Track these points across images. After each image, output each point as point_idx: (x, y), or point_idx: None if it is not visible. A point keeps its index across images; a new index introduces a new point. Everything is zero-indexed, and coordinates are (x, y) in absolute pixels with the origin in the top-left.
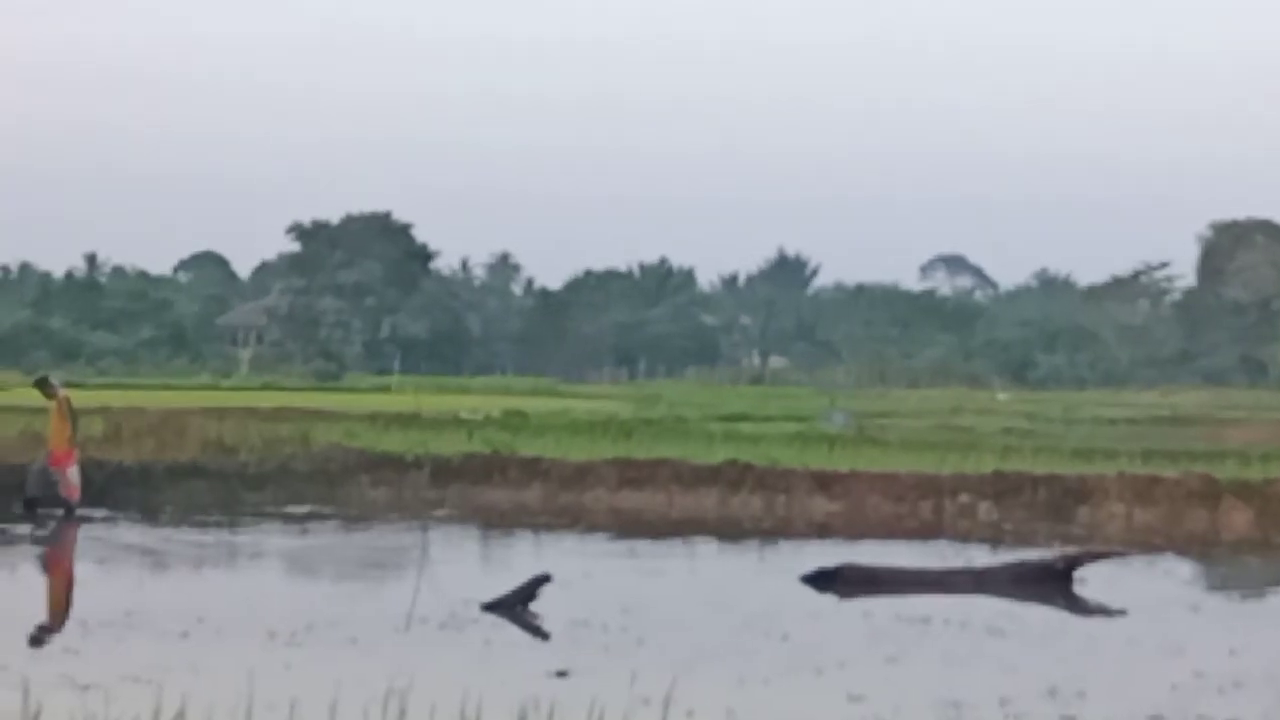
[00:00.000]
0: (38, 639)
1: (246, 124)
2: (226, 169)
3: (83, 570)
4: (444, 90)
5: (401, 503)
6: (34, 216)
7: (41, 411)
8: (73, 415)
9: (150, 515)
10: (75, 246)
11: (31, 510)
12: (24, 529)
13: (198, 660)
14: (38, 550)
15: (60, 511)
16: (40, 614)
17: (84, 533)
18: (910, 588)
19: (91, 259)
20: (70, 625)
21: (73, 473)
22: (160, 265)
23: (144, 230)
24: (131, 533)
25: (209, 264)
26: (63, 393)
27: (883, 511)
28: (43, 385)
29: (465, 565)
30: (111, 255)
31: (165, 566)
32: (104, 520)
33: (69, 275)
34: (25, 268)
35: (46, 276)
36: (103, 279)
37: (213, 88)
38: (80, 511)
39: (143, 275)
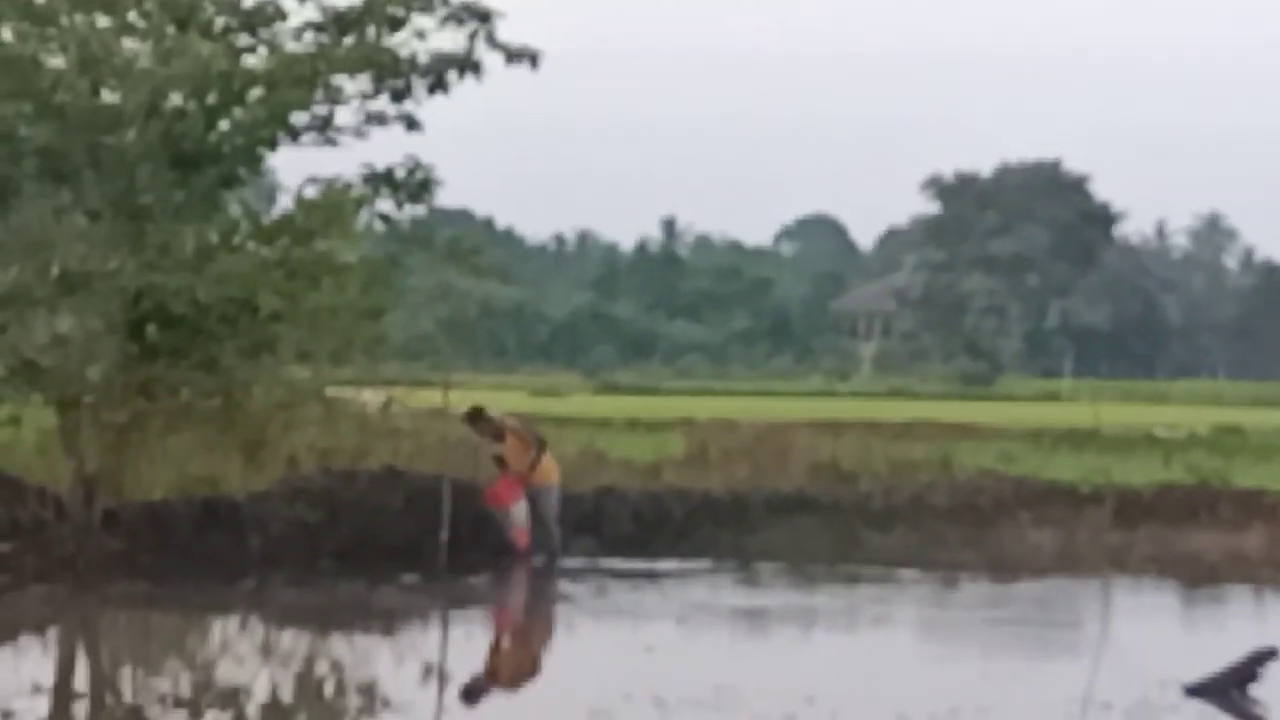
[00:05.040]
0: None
1: (872, 56)
2: (843, 108)
3: (654, 634)
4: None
5: (1074, 550)
6: (599, 173)
7: (604, 425)
8: (524, 443)
9: (744, 562)
10: (649, 209)
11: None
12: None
13: None
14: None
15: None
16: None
17: (652, 587)
18: None
19: (669, 226)
20: (644, 703)
21: (518, 511)
22: (758, 233)
23: (736, 187)
24: (720, 585)
25: (821, 231)
26: (510, 421)
27: None
28: (476, 418)
29: (1161, 634)
30: (695, 220)
31: (764, 630)
32: (681, 569)
33: (641, 247)
34: (586, 238)
35: (612, 249)
36: (683, 251)
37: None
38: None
39: (735, 246)
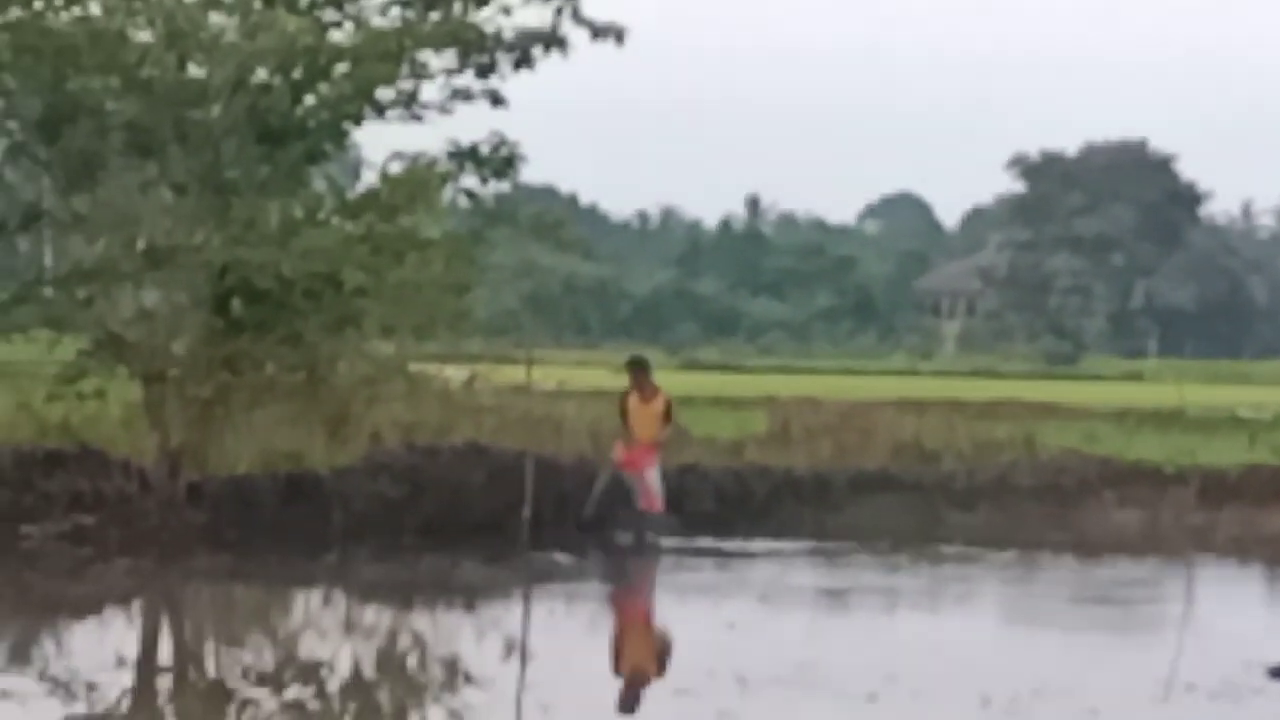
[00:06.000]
0: (626, 704)
1: (953, 32)
2: (928, 88)
3: (736, 611)
4: None
5: (1158, 530)
6: (683, 150)
7: (686, 403)
8: (667, 416)
9: (826, 541)
10: (733, 187)
11: (589, 533)
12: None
13: None
14: (608, 590)
15: (634, 535)
16: (607, 674)
17: (735, 565)
18: None
19: (754, 203)
20: (726, 682)
21: (653, 476)
22: (842, 211)
23: (821, 165)
24: (802, 563)
25: (905, 209)
26: (663, 394)
27: None
28: (640, 369)
29: (1247, 616)
30: (779, 198)
31: (846, 608)
32: (764, 547)
33: (724, 224)
34: (670, 215)
35: (695, 226)
36: (767, 229)
37: None
38: (669, 535)
39: (819, 225)
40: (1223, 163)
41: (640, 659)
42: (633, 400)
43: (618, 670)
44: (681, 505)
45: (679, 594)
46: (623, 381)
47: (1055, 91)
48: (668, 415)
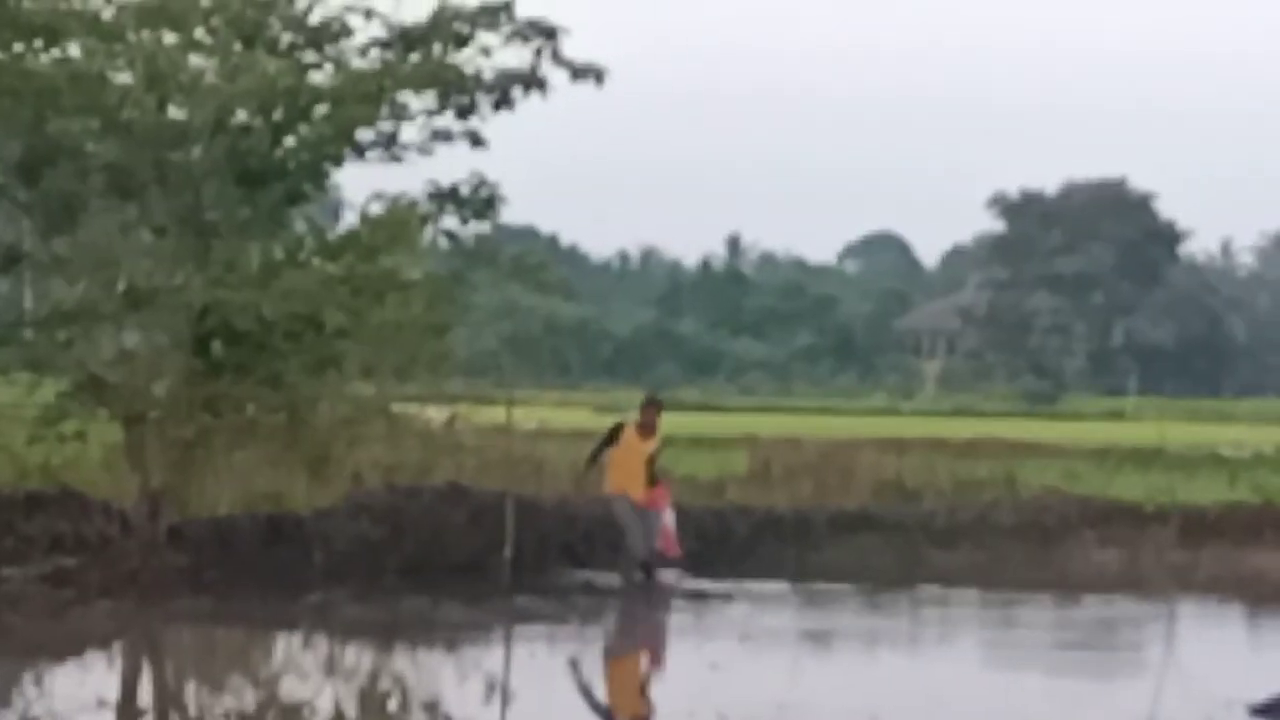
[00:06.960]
0: None
1: (930, 73)
2: (907, 126)
3: (718, 651)
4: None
5: (1139, 569)
6: (663, 190)
7: (667, 442)
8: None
9: (807, 580)
10: (714, 227)
11: (650, 577)
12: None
13: None
14: (589, 631)
15: (642, 575)
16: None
17: (716, 605)
18: None
19: (734, 243)
20: None
21: (669, 517)
22: (822, 251)
23: (800, 205)
24: (784, 603)
25: (885, 249)
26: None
27: None
28: (655, 406)
29: (1226, 653)
30: (759, 238)
31: (827, 648)
32: (744, 587)
33: (704, 265)
34: (650, 255)
35: (676, 266)
36: (747, 269)
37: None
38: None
39: (799, 264)
40: (1201, 201)
41: (622, 700)
42: (629, 432)
43: (599, 711)
44: None
45: (660, 634)
46: (603, 423)
47: (1035, 132)
48: (652, 460)
